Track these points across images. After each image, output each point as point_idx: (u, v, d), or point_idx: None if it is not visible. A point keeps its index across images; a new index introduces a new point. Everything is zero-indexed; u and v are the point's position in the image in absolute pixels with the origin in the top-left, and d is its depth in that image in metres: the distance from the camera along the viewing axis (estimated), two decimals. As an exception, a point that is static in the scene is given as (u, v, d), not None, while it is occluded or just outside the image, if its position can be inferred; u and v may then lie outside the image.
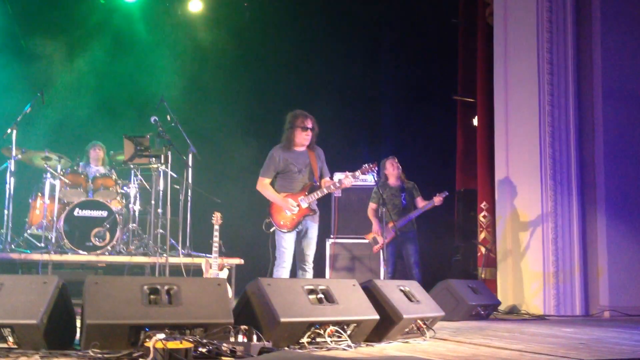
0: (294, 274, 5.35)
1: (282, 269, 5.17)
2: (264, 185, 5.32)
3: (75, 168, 7.06)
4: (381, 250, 7.14)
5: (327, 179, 5.42)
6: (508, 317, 6.42)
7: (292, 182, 5.29)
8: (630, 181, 6.96)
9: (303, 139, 5.30)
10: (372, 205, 7.08)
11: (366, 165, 5.34)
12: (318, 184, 5.32)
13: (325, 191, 5.26)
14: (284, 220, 5.21)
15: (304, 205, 5.21)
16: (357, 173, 5.28)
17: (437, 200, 6.70)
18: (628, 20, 7.18)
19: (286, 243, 5.19)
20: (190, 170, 7.14)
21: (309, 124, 5.29)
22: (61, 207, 6.76)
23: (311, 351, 3.34)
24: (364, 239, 7.37)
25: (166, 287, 3.27)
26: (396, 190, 7.00)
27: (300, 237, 5.27)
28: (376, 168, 5.43)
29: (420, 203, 6.90)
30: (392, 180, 7.06)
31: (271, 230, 5.27)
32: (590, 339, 4.25)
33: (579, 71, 7.12)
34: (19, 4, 8.81)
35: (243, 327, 3.22)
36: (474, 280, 6.79)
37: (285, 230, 5.19)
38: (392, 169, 7.06)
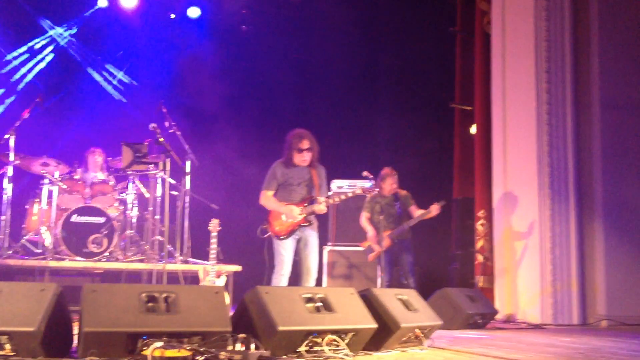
0: (292, 282, 5.35)
1: (281, 277, 5.17)
2: (267, 198, 5.37)
3: (73, 174, 7.05)
4: (378, 259, 7.14)
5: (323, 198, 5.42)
6: (505, 326, 6.41)
7: (290, 194, 5.34)
8: (628, 190, 6.97)
9: (301, 160, 5.36)
10: (365, 214, 7.07)
11: (366, 186, 5.44)
12: (315, 198, 5.35)
13: (317, 210, 5.28)
14: (279, 227, 5.25)
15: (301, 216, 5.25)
16: (350, 194, 5.40)
17: (435, 209, 6.66)
18: (626, 29, 7.20)
19: (284, 250, 5.21)
20: (188, 177, 7.14)
21: (305, 146, 5.31)
22: (59, 213, 6.74)
23: (309, 360, 3.34)
24: (361, 246, 7.36)
25: (164, 295, 3.26)
26: (390, 200, 6.97)
27: (301, 247, 5.27)
28: (373, 182, 5.46)
29: (416, 211, 6.87)
30: (386, 191, 7.02)
31: (265, 235, 5.30)
32: (587, 348, 4.25)
33: (577, 80, 7.14)
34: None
35: (241, 335, 3.21)
36: (472, 289, 6.80)
37: (281, 237, 5.22)
38: (390, 182, 7.00)
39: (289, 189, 5.35)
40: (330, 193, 5.37)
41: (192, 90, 9.43)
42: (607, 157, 6.95)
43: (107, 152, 7.63)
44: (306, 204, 5.29)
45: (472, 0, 8.40)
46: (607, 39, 7.10)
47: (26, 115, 6.62)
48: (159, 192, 7.00)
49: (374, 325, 3.67)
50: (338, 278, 7.64)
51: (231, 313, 3.69)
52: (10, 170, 6.57)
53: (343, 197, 5.46)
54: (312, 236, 5.31)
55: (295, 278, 5.31)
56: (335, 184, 7.77)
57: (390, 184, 6.98)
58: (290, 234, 5.23)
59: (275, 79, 9.50)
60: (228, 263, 6.75)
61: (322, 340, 3.45)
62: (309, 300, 3.63)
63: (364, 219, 7.08)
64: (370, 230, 7.01)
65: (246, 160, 8.03)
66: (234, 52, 9.85)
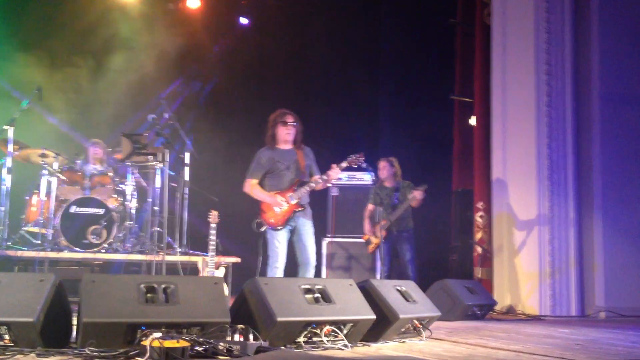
0: (288, 274, 5.32)
1: (276, 269, 5.11)
2: (251, 186, 5.31)
3: (72, 165, 7.05)
4: (378, 250, 7.16)
5: (317, 177, 5.39)
6: (504, 317, 6.43)
7: (280, 180, 5.26)
8: (627, 182, 6.97)
9: (285, 134, 5.28)
10: (369, 206, 7.09)
11: (352, 156, 5.29)
12: (307, 180, 5.30)
13: (314, 185, 5.21)
14: (274, 218, 5.18)
15: (293, 201, 5.17)
16: (343, 164, 5.26)
17: (418, 194, 6.67)
18: (626, 22, 7.18)
19: (278, 242, 5.15)
20: (187, 168, 7.13)
21: (289, 119, 5.29)
22: (58, 205, 6.74)
23: (308, 351, 3.34)
24: (360, 238, 7.38)
25: (163, 286, 3.27)
26: (391, 190, 7.01)
27: (296, 238, 5.23)
28: (363, 159, 5.36)
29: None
30: (387, 181, 7.06)
31: (262, 229, 5.24)
32: (586, 340, 4.26)
33: (577, 72, 7.13)
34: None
35: (240, 326, 3.22)
36: (470, 280, 6.80)
37: (276, 228, 5.17)
38: (381, 172, 7.04)
39: (277, 174, 5.26)
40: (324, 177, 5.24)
41: (192, 81, 9.40)
42: (606, 148, 6.95)
43: (107, 143, 7.62)
44: (295, 188, 5.21)
45: (473, -8, 8.38)
46: (607, 31, 7.09)
47: (25, 106, 6.60)
48: (158, 184, 6.99)
49: (372, 316, 3.68)
50: (337, 269, 7.66)
51: (230, 304, 3.70)
52: (9, 161, 6.55)
53: (339, 169, 5.22)
54: (305, 225, 5.24)
55: (292, 270, 5.28)
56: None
57: (383, 173, 7.00)
58: (286, 223, 5.16)
59: (275, 69, 9.47)
60: (227, 254, 6.75)
61: (321, 331, 3.46)
62: (308, 291, 3.64)
63: (366, 210, 7.10)
64: (366, 223, 7.05)
65: (246, 152, 8.01)
66: (234, 42, 9.81)
